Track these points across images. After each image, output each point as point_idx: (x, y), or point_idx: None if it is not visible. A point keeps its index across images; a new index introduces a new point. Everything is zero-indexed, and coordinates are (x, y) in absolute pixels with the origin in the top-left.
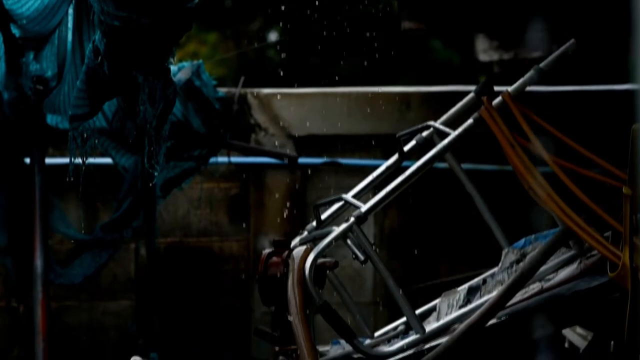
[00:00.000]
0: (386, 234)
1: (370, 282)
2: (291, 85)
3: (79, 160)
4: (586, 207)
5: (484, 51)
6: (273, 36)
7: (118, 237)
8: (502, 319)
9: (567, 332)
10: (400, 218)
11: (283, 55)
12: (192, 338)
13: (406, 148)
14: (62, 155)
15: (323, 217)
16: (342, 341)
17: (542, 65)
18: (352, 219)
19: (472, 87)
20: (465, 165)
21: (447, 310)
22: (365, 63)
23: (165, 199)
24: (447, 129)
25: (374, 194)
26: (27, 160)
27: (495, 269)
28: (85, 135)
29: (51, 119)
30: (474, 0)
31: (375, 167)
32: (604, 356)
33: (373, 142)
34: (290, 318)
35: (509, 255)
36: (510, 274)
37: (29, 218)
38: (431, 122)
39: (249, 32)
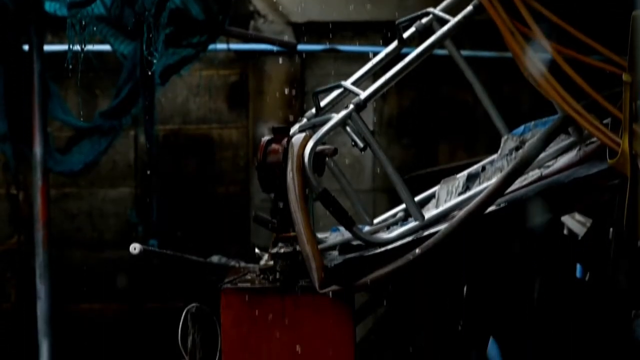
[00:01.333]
0: (385, 121)
1: (369, 170)
2: None
3: (77, 48)
4: (586, 94)
5: None
6: None
7: (117, 124)
8: (501, 205)
9: (566, 219)
10: (399, 105)
11: None
12: (191, 225)
13: (406, 35)
14: (60, 42)
15: (322, 104)
16: (341, 228)
17: None
18: (351, 106)
19: None
20: (464, 52)
21: (446, 197)
22: None
23: (164, 86)
24: (446, 16)
25: (374, 81)
26: (26, 47)
27: (495, 156)
28: (83, 22)
29: (49, 6)
30: None
31: (375, 54)
32: (602, 243)
33: (372, 29)
34: (281, 204)
35: (508, 142)
36: (510, 161)
37: (28, 105)
38: (431, 9)
39: None
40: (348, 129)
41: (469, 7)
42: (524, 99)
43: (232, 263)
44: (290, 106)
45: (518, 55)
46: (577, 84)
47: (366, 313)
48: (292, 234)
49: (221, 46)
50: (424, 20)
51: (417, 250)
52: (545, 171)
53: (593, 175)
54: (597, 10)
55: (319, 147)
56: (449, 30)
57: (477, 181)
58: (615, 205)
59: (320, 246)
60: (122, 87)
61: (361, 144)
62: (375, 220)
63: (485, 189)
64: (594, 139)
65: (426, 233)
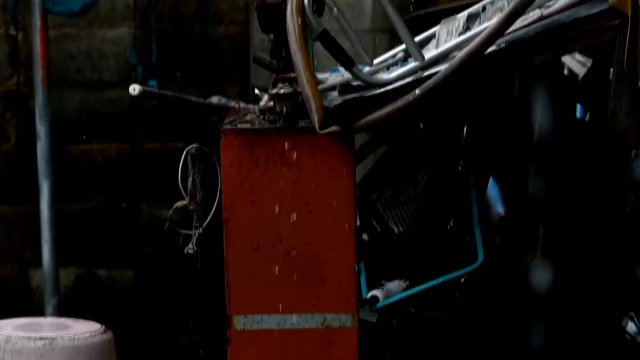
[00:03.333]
0: None
1: (369, 10)
2: None
3: None
4: None
5: None
6: None
7: None
8: (502, 46)
9: (566, 59)
10: None
11: None
12: (191, 65)
13: None
14: None
15: None
16: (341, 69)
17: None
18: None
19: None
20: None
21: (447, 38)
22: None
23: None
24: None
25: None
26: None
27: None
28: None
29: None
30: None
31: None
32: (603, 83)
33: None
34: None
35: None
36: (510, 1)
37: None
38: None
39: None
40: None
41: None
42: None
43: (232, 104)
44: None
45: None
46: None
47: (366, 153)
48: (292, 74)
49: None
50: None
51: (417, 91)
52: (546, 11)
53: (594, 15)
54: None
55: None
56: None
57: (478, 21)
58: (615, 46)
59: (320, 87)
60: None
61: None
62: (375, 61)
63: (485, 29)
64: None
65: (426, 74)
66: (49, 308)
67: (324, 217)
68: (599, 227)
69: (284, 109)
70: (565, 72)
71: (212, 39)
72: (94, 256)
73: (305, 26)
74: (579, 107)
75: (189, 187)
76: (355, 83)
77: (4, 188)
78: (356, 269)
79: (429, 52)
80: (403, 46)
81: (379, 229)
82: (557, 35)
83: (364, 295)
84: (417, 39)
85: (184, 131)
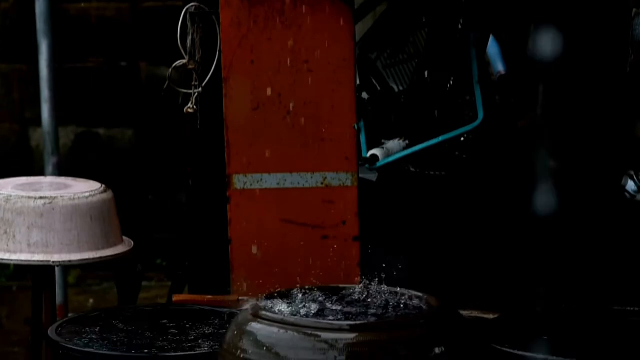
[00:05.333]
0: None
1: None
2: None
3: None
4: None
5: None
6: None
7: None
8: None
9: None
10: None
11: None
12: None
13: None
14: None
15: None
16: None
17: None
18: None
19: None
20: None
21: None
22: None
23: None
24: None
25: None
26: None
27: None
28: None
29: None
30: None
31: None
32: None
33: None
34: None
35: None
36: None
37: None
38: None
39: None
40: None
41: None
42: None
43: None
44: None
45: None
46: None
47: (366, 12)
48: None
49: None
50: None
51: None
52: None
53: None
54: None
55: None
56: None
57: None
58: None
59: None
60: None
61: None
62: None
63: None
64: None
65: None
66: (49, 167)
67: (324, 76)
68: (599, 85)
69: None
70: None
71: None
72: (93, 115)
73: None
74: None
75: (188, 46)
76: None
77: (4, 46)
78: (356, 127)
79: None
80: None
81: (378, 88)
82: None
83: (363, 154)
84: None
85: None
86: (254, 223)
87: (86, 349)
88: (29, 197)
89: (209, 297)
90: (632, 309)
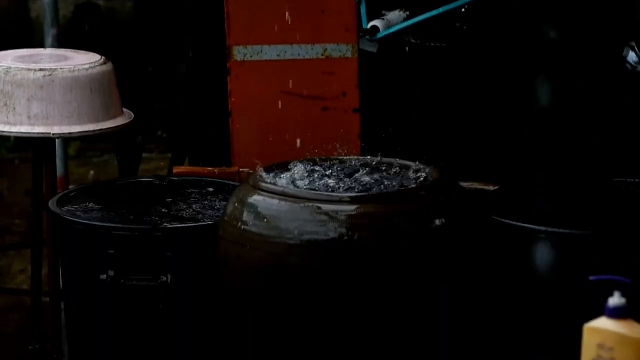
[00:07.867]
0: None
1: None
2: None
3: None
4: None
5: None
6: None
7: None
8: None
9: None
10: None
11: None
12: None
13: None
14: None
15: None
16: None
17: None
18: None
19: None
20: None
21: None
22: None
23: None
24: None
25: None
26: None
27: None
28: None
29: None
30: None
31: None
32: None
33: None
34: None
35: None
36: None
37: None
38: None
39: None
40: None
41: None
42: None
43: None
44: None
45: None
46: None
47: None
48: None
49: None
50: None
51: None
52: None
53: None
54: None
55: None
56: None
57: None
58: None
59: None
60: None
61: None
62: None
63: None
64: None
65: None
66: (49, 39)
67: None
68: None
69: None
70: None
71: None
72: None
73: None
74: None
75: None
76: None
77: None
78: None
79: None
80: None
81: None
82: None
83: (364, 26)
84: None
85: None
86: (254, 95)
87: (87, 221)
88: (29, 69)
89: (210, 169)
90: (632, 180)
